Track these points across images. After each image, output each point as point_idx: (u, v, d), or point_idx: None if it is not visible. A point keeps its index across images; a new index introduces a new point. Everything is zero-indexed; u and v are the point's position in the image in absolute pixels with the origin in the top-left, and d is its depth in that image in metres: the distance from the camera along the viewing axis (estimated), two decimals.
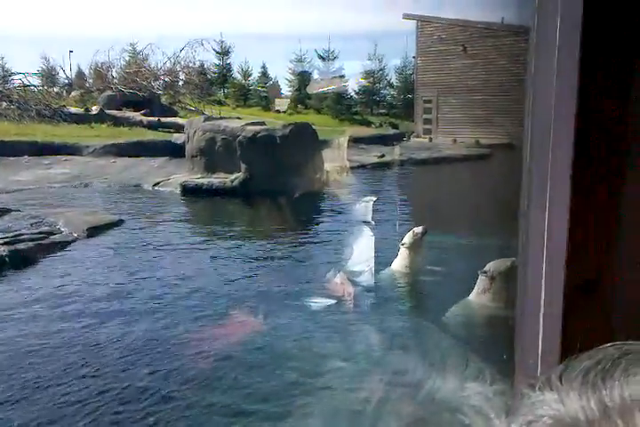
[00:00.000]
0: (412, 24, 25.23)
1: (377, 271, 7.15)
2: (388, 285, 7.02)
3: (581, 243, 1.01)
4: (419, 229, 6.99)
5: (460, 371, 0.58)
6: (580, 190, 1.00)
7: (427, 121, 25.24)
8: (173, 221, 10.79)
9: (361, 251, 7.74)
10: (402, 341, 5.01)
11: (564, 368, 0.52)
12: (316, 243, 9.20)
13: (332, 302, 6.21)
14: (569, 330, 1.01)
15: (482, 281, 5.77)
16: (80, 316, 6.00)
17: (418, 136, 24.98)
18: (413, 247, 6.99)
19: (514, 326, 1.12)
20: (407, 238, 7.05)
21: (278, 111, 27.77)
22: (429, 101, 25.09)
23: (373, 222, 9.54)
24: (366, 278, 7.01)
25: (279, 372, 4.66)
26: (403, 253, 7.11)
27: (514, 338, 1.12)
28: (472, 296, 5.86)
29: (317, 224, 10.85)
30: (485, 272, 5.68)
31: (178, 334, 5.47)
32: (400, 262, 7.14)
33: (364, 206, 10.49)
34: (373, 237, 8.08)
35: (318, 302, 6.14)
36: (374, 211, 10.38)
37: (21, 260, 7.80)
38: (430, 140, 24.02)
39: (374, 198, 10.59)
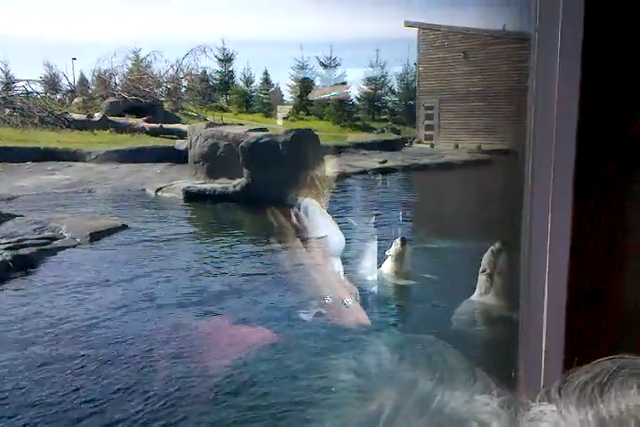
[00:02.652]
0: (413, 31, 25.34)
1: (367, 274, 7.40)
2: (380, 288, 7.15)
3: (584, 250, 1.00)
4: (398, 240, 7.37)
5: (468, 384, 0.59)
6: (583, 198, 1.00)
7: (428, 127, 25.29)
8: (176, 225, 10.82)
9: (363, 258, 7.88)
10: (404, 351, 5.00)
11: (564, 381, 0.53)
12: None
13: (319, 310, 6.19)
14: (572, 341, 1.01)
15: (482, 281, 5.82)
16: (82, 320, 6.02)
17: (420, 142, 25.03)
18: (398, 257, 7.35)
19: (517, 337, 1.12)
20: (392, 249, 7.40)
21: (279, 117, 27.81)
22: (431, 108, 25.15)
23: (374, 226, 9.65)
24: (369, 285, 7.10)
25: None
26: (389, 261, 7.46)
27: (517, 349, 1.11)
28: (474, 296, 5.90)
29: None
30: (484, 271, 5.73)
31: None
32: (388, 267, 7.45)
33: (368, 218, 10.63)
34: (375, 244, 8.18)
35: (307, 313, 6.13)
36: (377, 215, 10.43)
37: (24, 265, 7.83)
38: (432, 145, 24.05)
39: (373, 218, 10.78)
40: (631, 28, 0.98)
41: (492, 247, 5.62)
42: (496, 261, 5.57)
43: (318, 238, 8.76)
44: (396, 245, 7.36)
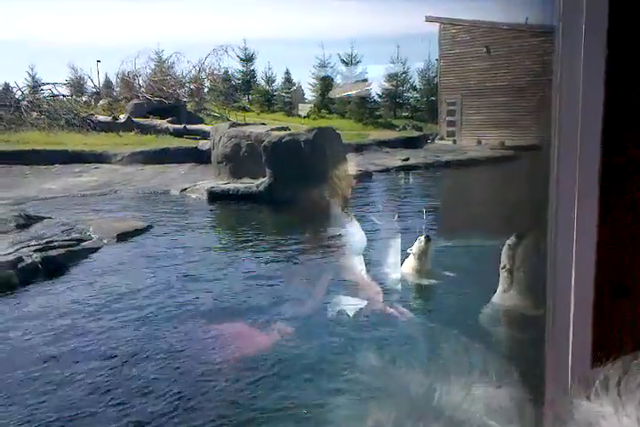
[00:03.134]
0: (434, 27, 25.14)
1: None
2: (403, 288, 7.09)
3: (611, 247, 1.00)
4: (422, 238, 7.25)
5: (470, 378, 0.58)
6: (610, 192, 0.99)
7: (450, 123, 25.09)
8: (201, 226, 10.92)
9: (386, 255, 7.85)
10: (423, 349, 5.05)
11: (622, 375, 0.50)
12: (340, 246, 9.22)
13: (364, 303, 6.22)
14: (599, 336, 1.00)
15: (503, 277, 5.74)
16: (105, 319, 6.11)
17: (442, 138, 24.84)
18: (421, 255, 7.23)
19: (544, 331, 1.10)
20: (415, 247, 7.27)
21: (300, 115, 27.88)
22: (453, 104, 24.94)
23: (398, 225, 9.64)
24: (392, 283, 7.08)
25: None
26: (410, 259, 7.34)
27: (544, 343, 1.10)
28: (496, 296, 5.83)
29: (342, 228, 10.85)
30: (504, 267, 5.67)
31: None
32: (409, 266, 7.34)
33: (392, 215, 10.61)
34: (399, 241, 8.15)
35: (350, 305, 6.16)
36: (400, 214, 10.42)
37: (53, 266, 7.97)
38: (454, 142, 23.86)
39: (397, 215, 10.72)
40: None
41: (508, 241, 5.58)
42: (514, 255, 5.52)
43: (339, 236, 8.78)
44: (419, 242, 7.25)
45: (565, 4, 1.00)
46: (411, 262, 7.33)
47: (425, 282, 7.17)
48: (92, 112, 24.66)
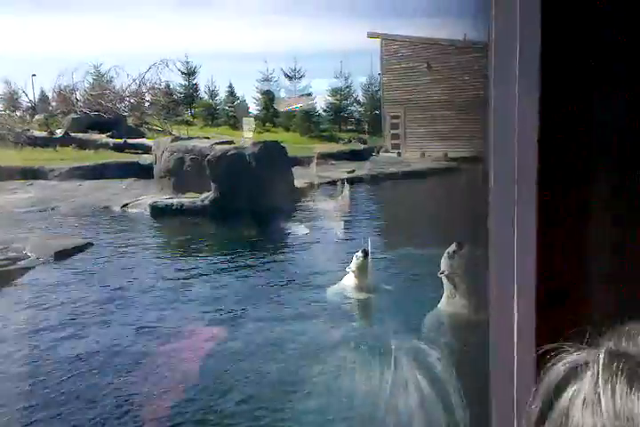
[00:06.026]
0: (376, 42, 25.64)
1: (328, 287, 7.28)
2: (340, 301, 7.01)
3: (550, 256, 1.01)
4: (359, 253, 7.11)
5: None
6: (547, 204, 1.00)
7: (395, 136, 25.53)
8: (143, 242, 10.63)
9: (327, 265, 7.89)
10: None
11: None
12: (284, 261, 9.19)
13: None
14: (543, 341, 1.00)
15: (445, 284, 5.87)
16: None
17: (387, 151, 25.23)
18: (359, 270, 7.11)
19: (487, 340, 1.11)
20: (353, 264, 7.15)
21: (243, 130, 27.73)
22: (397, 117, 25.42)
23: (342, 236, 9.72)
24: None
25: None
26: (350, 276, 7.23)
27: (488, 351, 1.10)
28: (442, 303, 5.92)
29: (287, 241, 10.82)
30: (442, 272, 5.81)
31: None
32: (350, 280, 7.23)
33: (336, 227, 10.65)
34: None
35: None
36: (345, 226, 10.50)
37: None
38: (399, 154, 24.28)
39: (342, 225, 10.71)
40: (588, 30, 0.99)
41: (448, 249, 5.73)
42: (452, 262, 5.69)
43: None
44: (357, 259, 7.07)
45: (498, 21, 1.02)
46: (351, 278, 7.19)
47: (363, 296, 7.05)
48: (27, 127, 23.81)
